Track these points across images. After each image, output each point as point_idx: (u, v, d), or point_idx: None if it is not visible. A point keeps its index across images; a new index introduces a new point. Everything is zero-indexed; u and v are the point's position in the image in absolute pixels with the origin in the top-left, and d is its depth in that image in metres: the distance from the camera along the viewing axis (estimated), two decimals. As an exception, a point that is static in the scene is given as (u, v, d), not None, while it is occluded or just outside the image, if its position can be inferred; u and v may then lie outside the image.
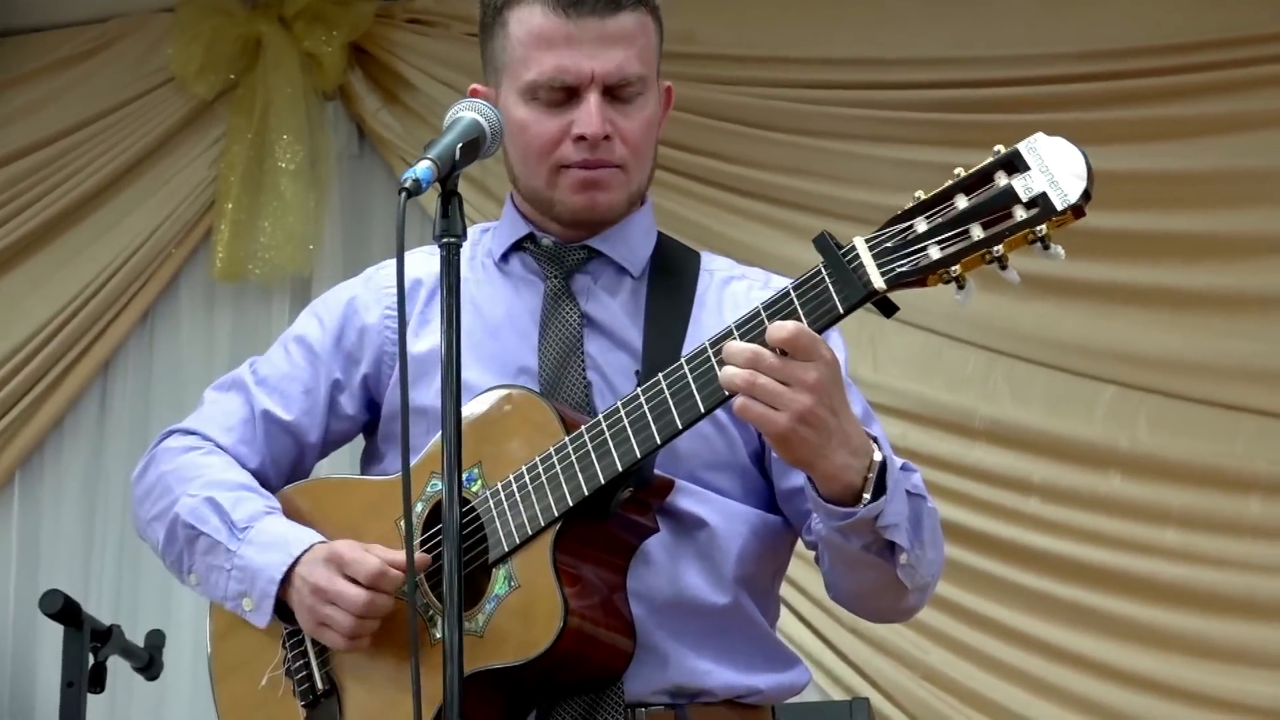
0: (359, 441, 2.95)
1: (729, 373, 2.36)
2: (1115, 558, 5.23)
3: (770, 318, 2.40)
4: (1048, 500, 5.32)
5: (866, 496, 2.43)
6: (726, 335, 2.43)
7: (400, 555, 2.57)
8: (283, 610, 2.69)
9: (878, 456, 2.44)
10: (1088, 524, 5.27)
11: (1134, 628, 5.19)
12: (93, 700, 4.63)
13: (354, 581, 2.58)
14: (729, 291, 2.80)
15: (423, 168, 2.38)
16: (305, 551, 2.66)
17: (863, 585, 2.62)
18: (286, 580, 2.66)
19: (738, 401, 2.37)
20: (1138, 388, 5.31)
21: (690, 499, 2.64)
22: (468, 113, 2.49)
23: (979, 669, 5.28)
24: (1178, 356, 5.26)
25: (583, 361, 2.69)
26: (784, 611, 2.86)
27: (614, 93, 2.69)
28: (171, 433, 2.90)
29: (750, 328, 2.41)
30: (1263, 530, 5.17)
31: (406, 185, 2.36)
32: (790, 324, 2.35)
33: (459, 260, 2.40)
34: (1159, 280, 5.32)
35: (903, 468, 2.57)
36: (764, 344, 2.37)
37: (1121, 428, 5.30)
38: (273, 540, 2.69)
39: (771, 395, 2.35)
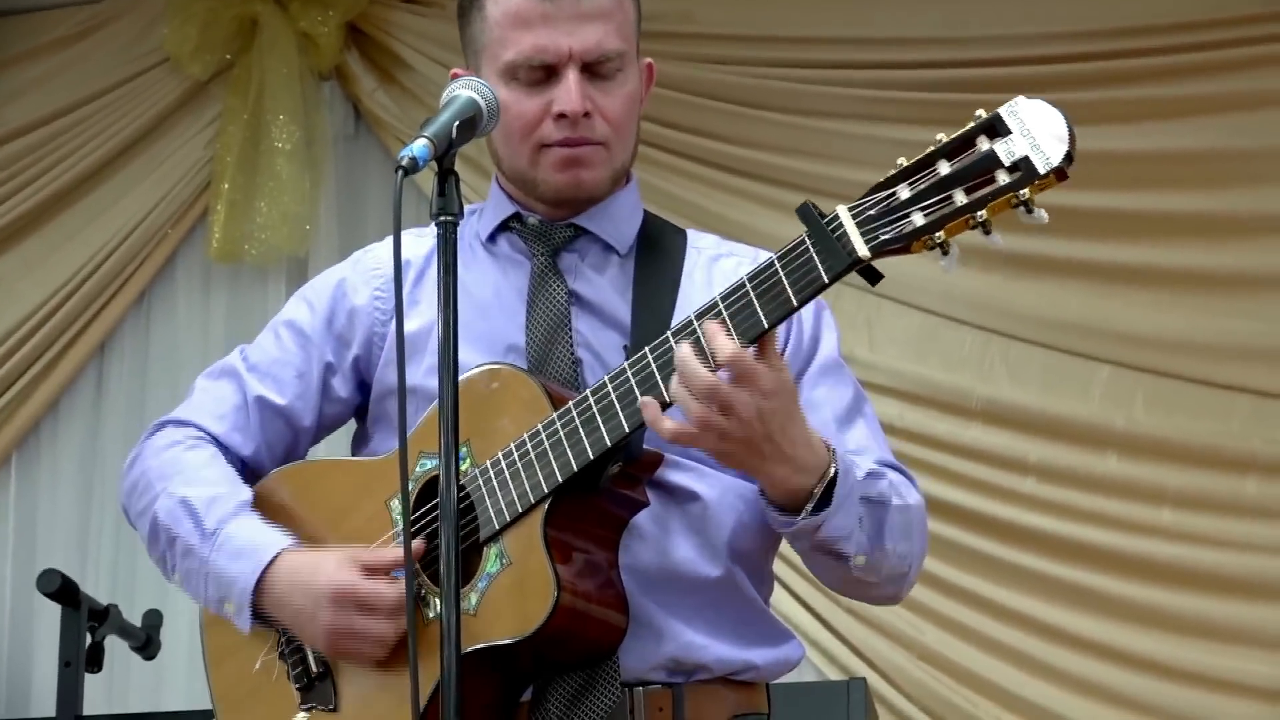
0: (352, 426, 2.95)
1: (675, 390, 2.40)
2: (1112, 538, 5.24)
3: (755, 288, 2.40)
4: (1044, 480, 5.33)
5: (808, 509, 2.46)
6: (712, 308, 2.43)
7: (392, 555, 2.58)
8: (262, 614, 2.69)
9: (831, 471, 2.46)
10: (1084, 504, 5.28)
11: (1130, 607, 5.20)
12: (90, 679, 4.65)
13: (376, 614, 2.57)
14: (718, 268, 2.80)
15: (419, 146, 2.38)
16: (275, 558, 2.65)
17: (825, 577, 2.66)
18: (260, 588, 2.65)
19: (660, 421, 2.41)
20: (1134, 367, 5.32)
21: (682, 472, 2.64)
22: (464, 91, 2.49)
23: (976, 649, 5.29)
24: (1175, 336, 5.27)
25: (570, 338, 2.68)
26: (781, 591, 2.88)
27: (593, 69, 2.69)
28: (163, 424, 2.88)
29: (734, 300, 2.41)
30: (1260, 510, 5.18)
31: (403, 163, 2.36)
32: (729, 347, 2.37)
33: (456, 238, 2.40)
34: (1155, 260, 5.33)
35: (869, 474, 2.57)
36: (745, 314, 2.39)
37: (1118, 407, 5.31)
38: (241, 547, 2.68)
39: (727, 398, 2.38)
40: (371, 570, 2.58)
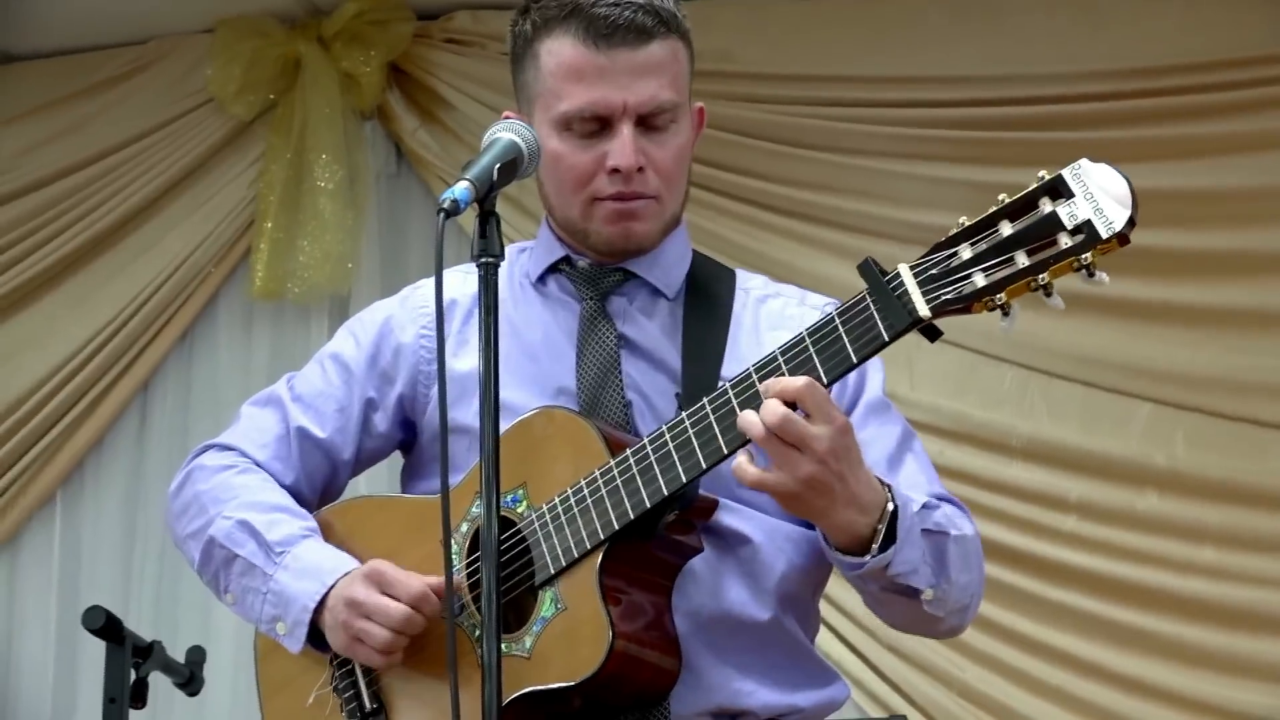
0: (397, 458, 2.96)
1: (748, 421, 2.39)
2: (1153, 575, 5.22)
3: (814, 344, 2.41)
4: (1085, 518, 5.31)
5: (875, 548, 2.47)
6: (771, 361, 2.44)
7: (440, 580, 2.59)
8: (316, 637, 2.70)
9: (890, 507, 2.47)
10: (1125, 542, 5.26)
11: (1171, 645, 5.18)
12: (134, 716, 4.65)
13: (394, 598, 2.59)
14: (765, 310, 2.81)
15: (461, 188, 2.40)
16: (340, 580, 2.67)
17: (894, 617, 2.67)
18: (320, 607, 2.68)
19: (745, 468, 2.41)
20: (1175, 405, 5.30)
21: (733, 516, 2.65)
22: (505, 134, 2.50)
23: (1016, 687, 5.27)
24: (1215, 374, 5.25)
25: (620, 381, 2.70)
26: (821, 629, 2.88)
27: (647, 122, 2.70)
28: (208, 448, 2.92)
29: (794, 354, 2.43)
30: (1303, 549, 5.16)
31: (445, 206, 2.38)
32: (802, 379, 2.37)
33: (497, 280, 2.42)
34: (1195, 298, 5.31)
35: (924, 506, 2.58)
36: (804, 370, 2.39)
37: (1158, 445, 5.29)
38: (308, 567, 2.71)
39: (780, 457, 2.38)
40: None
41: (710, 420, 2.47)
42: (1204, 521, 5.22)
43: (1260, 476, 5.19)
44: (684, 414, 2.50)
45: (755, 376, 2.44)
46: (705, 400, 2.48)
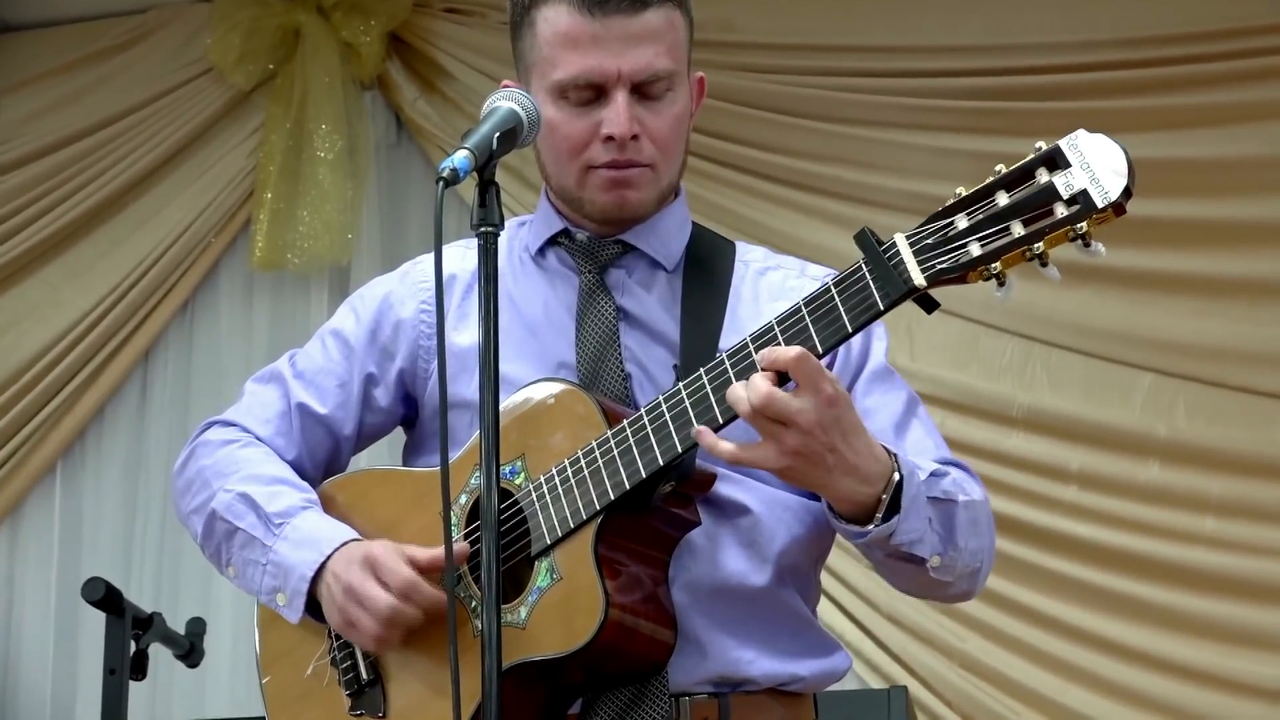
0: (399, 434, 2.96)
1: (735, 397, 2.40)
2: (1154, 546, 5.23)
3: (811, 314, 2.41)
4: (1086, 488, 5.31)
5: (878, 517, 2.47)
6: (767, 331, 2.44)
7: (438, 553, 2.59)
8: (315, 607, 2.70)
9: (895, 477, 2.46)
10: (1126, 512, 5.26)
11: (1172, 616, 5.18)
12: (134, 687, 4.67)
13: (385, 587, 2.60)
14: (765, 282, 2.80)
15: (460, 157, 2.39)
16: (337, 549, 2.67)
17: (901, 583, 2.66)
18: (318, 578, 2.68)
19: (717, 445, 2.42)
20: (1176, 375, 5.30)
21: (733, 486, 2.65)
22: (505, 102, 2.50)
23: (1017, 657, 5.27)
24: (1216, 344, 5.25)
25: (619, 354, 2.69)
26: (823, 600, 2.87)
27: (642, 90, 2.69)
28: (212, 424, 2.92)
29: (790, 324, 2.42)
30: (1303, 518, 5.16)
31: (444, 175, 2.37)
32: (795, 349, 2.38)
33: (496, 249, 2.41)
34: (1197, 267, 5.31)
35: (932, 474, 2.58)
36: (800, 340, 2.39)
37: (1160, 415, 5.29)
38: (306, 537, 2.71)
39: (766, 431, 2.39)
40: (412, 559, 2.60)
41: (707, 391, 2.47)
42: (1205, 491, 5.22)
43: (1262, 446, 5.19)
44: (680, 385, 2.50)
45: (752, 347, 2.44)
46: (702, 371, 2.48)
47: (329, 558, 2.67)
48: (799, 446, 2.39)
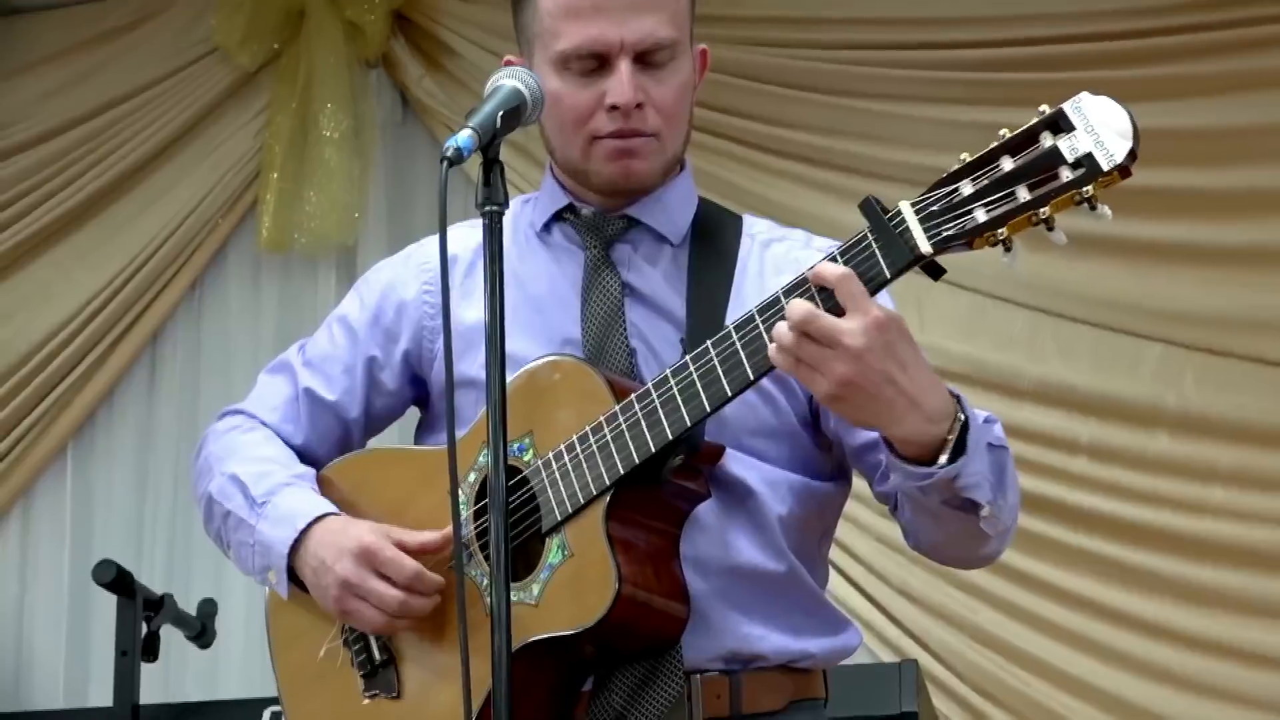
0: (409, 417, 2.97)
1: (777, 329, 2.36)
2: (1164, 516, 5.22)
3: (816, 284, 2.39)
4: (1095, 459, 5.31)
5: (944, 459, 2.41)
6: (774, 302, 2.43)
7: (428, 537, 2.61)
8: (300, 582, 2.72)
9: (961, 417, 2.42)
10: (1136, 483, 5.26)
11: (1183, 586, 5.18)
12: (146, 669, 4.68)
13: (390, 582, 2.60)
14: (770, 254, 2.80)
15: (464, 136, 2.39)
16: (311, 524, 2.69)
17: (945, 534, 2.58)
18: (295, 553, 2.69)
19: (785, 360, 2.36)
20: (1185, 346, 5.29)
21: (736, 465, 2.64)
22: (508, 80, 2.50)
23: (1028, 629, 5.27)
24: (1225, 314, 5.24)
25: (624, 330, 2.69)
26: (833, 574, 2.87)
27: (645, 59, 2.68)
28: (225, 414, 2.95)
29: (797, 294, 2.41)
30: (1313, 488, 5.15)
31: (448, 154, 2.38)
32: (841, 266, 2.35)
33: (501, 227, 2.41)
34: (1206, 237, 5.30)
35: (985, 420, 2.54)
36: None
37: (1169, 386, 5.28)
38: (283, 514, 2.72)
39: (813, 359, 2.35)
40: (401, 544, 2.61)
41: (714, 363, 2.46)
42: (1215, 462, 5.21)
43: (1272, 416, 5.19)
44: (688, 358, 2.50)
45: (758, 319, 2.44)
46: (709, 344, 2.48)
47: (302, 532, 2.68)
48: (850, 374, 2.33)
